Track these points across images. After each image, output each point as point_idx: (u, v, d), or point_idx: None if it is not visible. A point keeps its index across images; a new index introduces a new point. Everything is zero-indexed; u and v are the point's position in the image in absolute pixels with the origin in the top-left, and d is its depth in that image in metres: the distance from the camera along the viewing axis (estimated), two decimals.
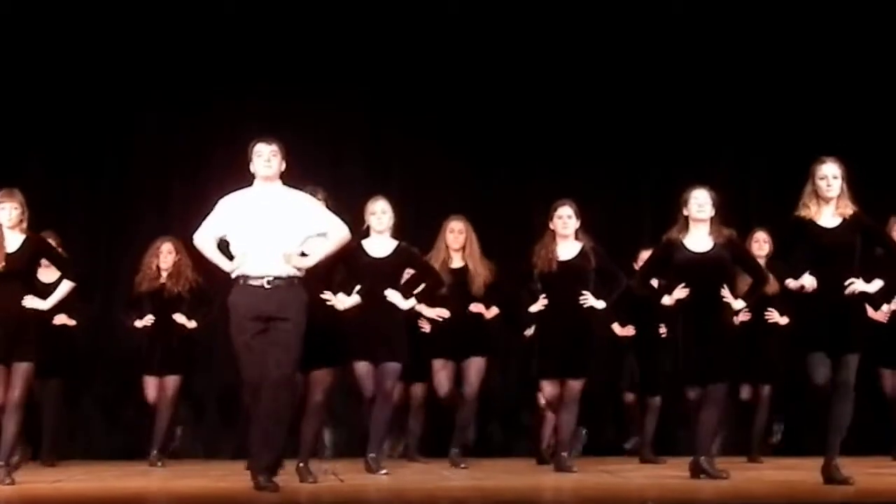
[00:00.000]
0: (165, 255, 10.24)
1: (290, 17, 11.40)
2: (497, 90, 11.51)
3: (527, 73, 11.50)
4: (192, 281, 10.22)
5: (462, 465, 9.46)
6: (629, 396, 10.25)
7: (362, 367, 8.84)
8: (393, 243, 9.01)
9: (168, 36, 11.40)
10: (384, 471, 8.68)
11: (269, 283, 7.33)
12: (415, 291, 9.04)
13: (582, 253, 9.04)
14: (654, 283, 8.58)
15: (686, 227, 8.23)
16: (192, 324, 10.23)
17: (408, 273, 9.14)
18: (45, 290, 8.53)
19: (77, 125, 11.49)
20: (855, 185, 7.73)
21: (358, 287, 8.66)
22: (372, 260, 8.89)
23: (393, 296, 8.91)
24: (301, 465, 8.09)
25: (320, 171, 10.39)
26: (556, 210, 9.11)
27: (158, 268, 10.24)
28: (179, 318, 10.20)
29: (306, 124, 11.32)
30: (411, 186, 11.07)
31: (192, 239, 7.71)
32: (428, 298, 9.35)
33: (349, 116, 11.68)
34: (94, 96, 11.41)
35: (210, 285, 10.00)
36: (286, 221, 7.43)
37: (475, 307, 9.75)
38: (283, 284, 7.35)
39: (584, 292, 8.98)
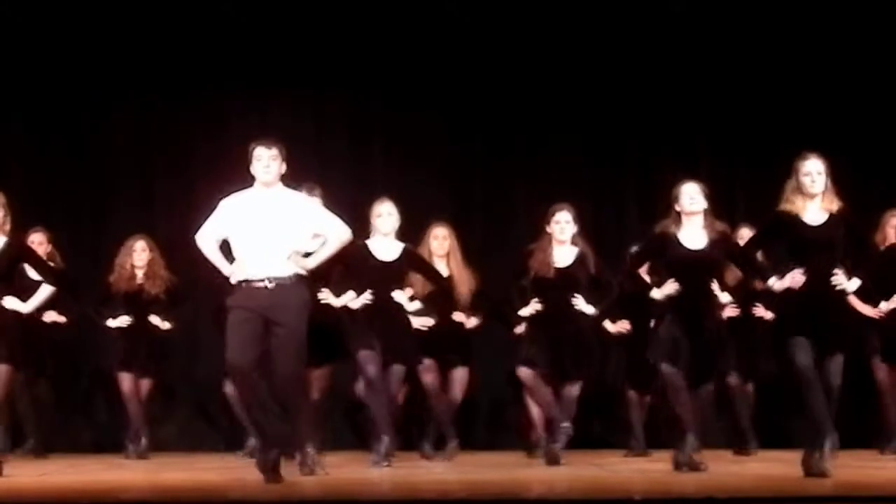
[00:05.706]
0: (140, 253, 10.20)
1: (274, 12, 11.36)
2: (480, 85, 11.45)
3: (509, 65, 11.45)
4: (167, 281, 10.24)
5: (437, 458, 9.44)
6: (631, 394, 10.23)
7: (366, 354, 8.75)
8: (399, 245, 8.99)
9: (148, 27, 11.31)
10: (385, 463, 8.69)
11: (269, 284, 7.31)
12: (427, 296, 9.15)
13: (578, 259, 8.96)
14: (647, 278, 8.55)
15: (679, 222, 8.07)
16: (165, 325, 10.24)
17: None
18: (32, 287, 8.50)
19: (58, 120, 11.44)
20: (843, 179, 7.71)
21: (367, 294, 8.61)
22: (380, 263, 8.87)
23: (399, 297, 8.88)
24: (308, 452, 7.99)
25: (303, 166, 10.39)
26: (553, 214, 8.97)
27: (133, 266, 10.20)
28: (154, 319, 10.19)
29: (289, 118, 11.28)
30: (396, 189, 11.01)
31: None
32: (429, 303, 9.29)
33: (331, 112, 11.67)
34: (74, 90, 11.35)
35: (183, 285, 10.16)
36: (287, 224, 7.42)
37: (458, 317, 9.71)
38: (284, 284, 7.33)
39: (576, 295, 8.91)
